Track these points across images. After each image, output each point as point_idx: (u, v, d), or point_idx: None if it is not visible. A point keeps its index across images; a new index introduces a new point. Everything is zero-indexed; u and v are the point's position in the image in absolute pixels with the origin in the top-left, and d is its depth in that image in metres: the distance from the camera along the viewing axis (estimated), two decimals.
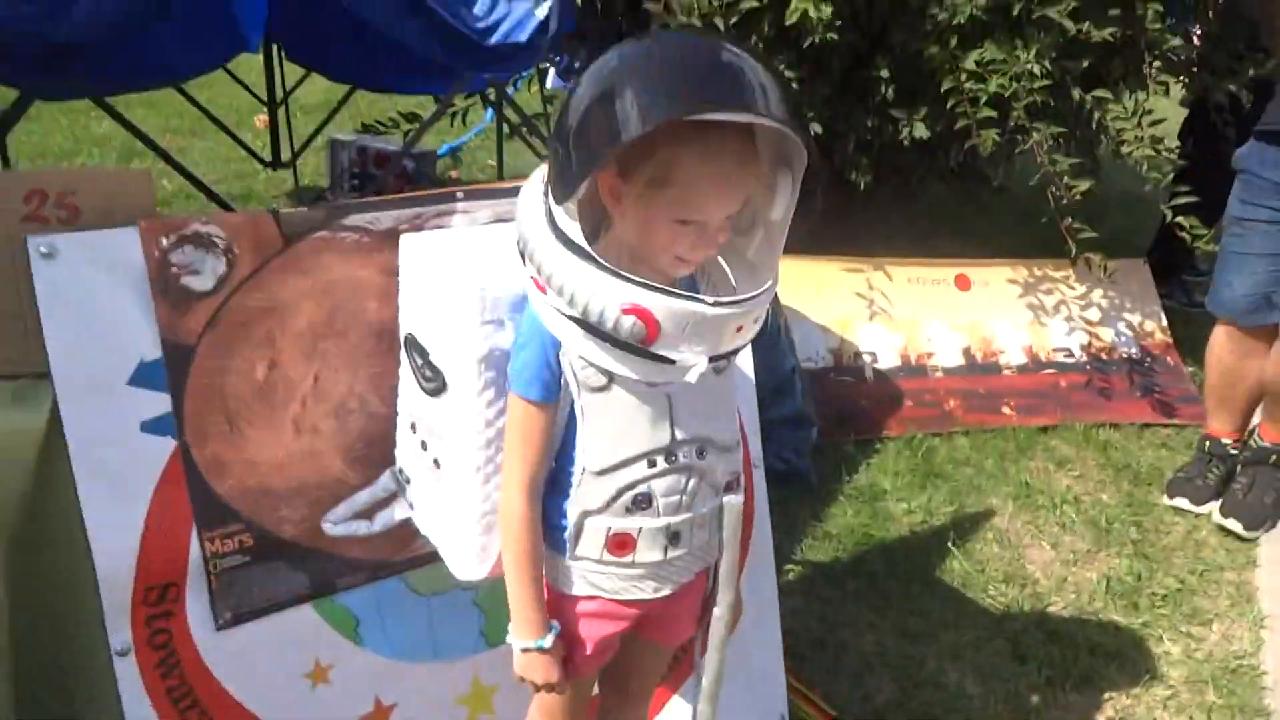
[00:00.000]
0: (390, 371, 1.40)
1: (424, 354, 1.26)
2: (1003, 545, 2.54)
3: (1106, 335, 3.47)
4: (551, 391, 1.13)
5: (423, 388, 1.27)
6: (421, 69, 3.02)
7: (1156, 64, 2.80)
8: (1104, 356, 3.42)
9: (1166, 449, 3.10)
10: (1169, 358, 3.51)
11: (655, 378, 1.11)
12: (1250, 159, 2.45)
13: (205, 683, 1.36)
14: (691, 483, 1.20)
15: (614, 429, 1.14)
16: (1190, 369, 3.42)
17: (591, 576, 1.22)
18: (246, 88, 4.40)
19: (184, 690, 1.34)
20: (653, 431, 1.15)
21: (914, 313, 3.32)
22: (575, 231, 1.03)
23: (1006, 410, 3.17)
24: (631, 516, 1.18)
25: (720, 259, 1.21)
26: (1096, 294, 3.55)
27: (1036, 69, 2.56)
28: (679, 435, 1.17)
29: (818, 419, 2.82)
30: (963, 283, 3.43)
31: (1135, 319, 3.55)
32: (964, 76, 2.74)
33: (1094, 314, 3.51)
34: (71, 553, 1.28)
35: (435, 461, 1.29)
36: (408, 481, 1.38)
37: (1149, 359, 3.48)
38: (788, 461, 2.64)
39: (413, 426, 1.33)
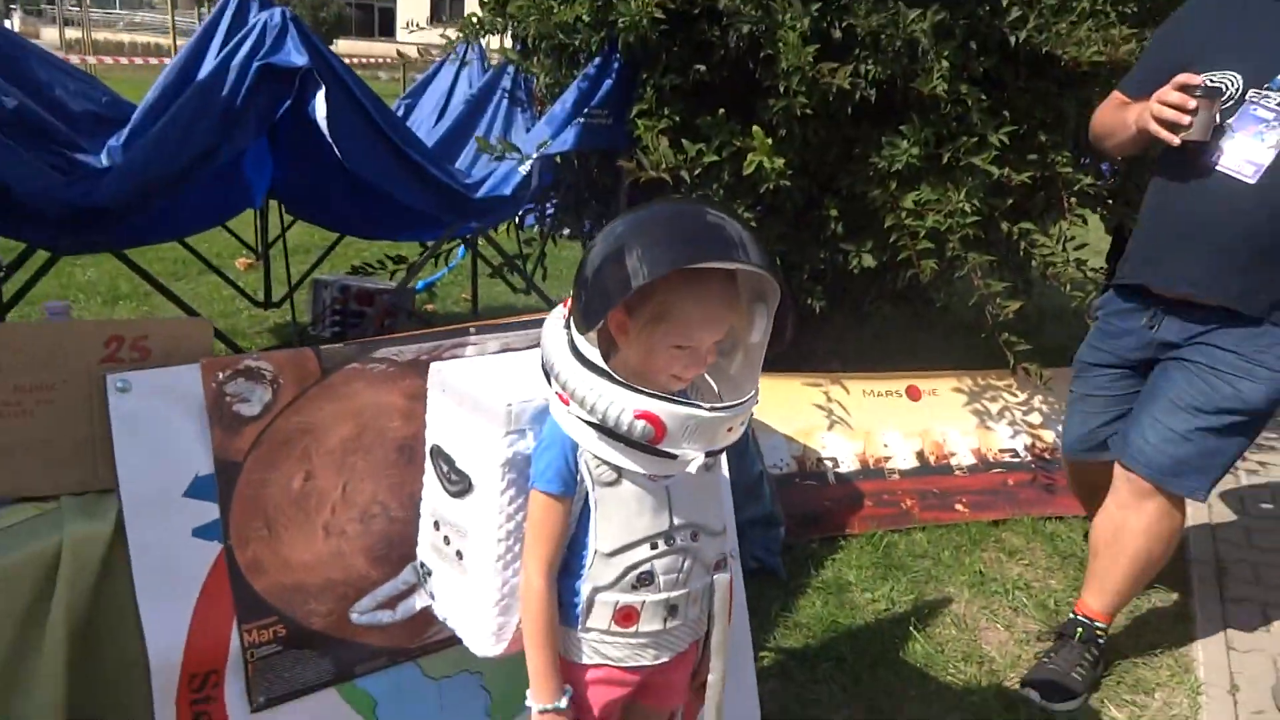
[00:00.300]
0: (408, 481, 1.63)
1: (450, 461, 1.49)
2: (960, 628, 2.73)
3: (1048, 436, 3.75)
4: (569, 487, 1.36)
5: (447, 490, 1.50)
6: (413, 220, 3.34)
7: (1072, 199, 3.16)
8: (1047, 456, 3.69)
9: None
10: None
11: (660, 471, 1.34)
12: (1104, 307, 2.59)
13: None
14: (687, 562, 1.42)
15: (622, 517, 1.37)
16: None
17: (600, 646, 1.42)
18: (236, 235, 4.72)
19: None
20: (654, 518, 1.38)
21: (869, 421, 3.58)
22: (595, 355, 1.29)
23: (960, 507, 3.41)
24: (636, 592, 1.39)
25: (706, 375, 1.47)
26: (1037, 399, 3.84)
27: (967, 207, 2.90)
28: (676, 521, 1.40)
29: (785, 519, 3.04)
30: (913, 393, 3.71)
31: None
32: (904, 214, 3.07)
33: (1035, 418, 3.79)
34: (126, 645, 1.46)
35: (458, 554, 1.50)
36: (429, 574, 1.59)
37: None
38: (759, 559, 2.85)
39: (435, 524, 1.55)
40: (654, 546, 1.38)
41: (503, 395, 1.39)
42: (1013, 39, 2.83)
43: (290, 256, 4.64)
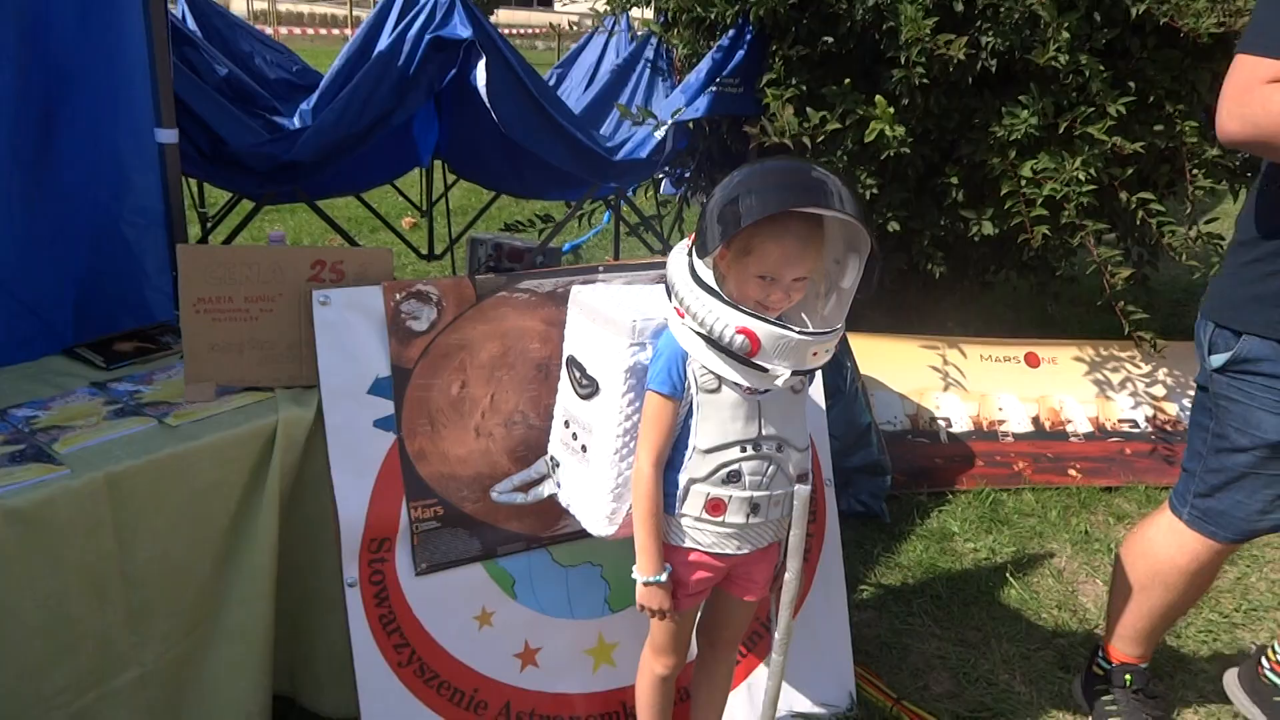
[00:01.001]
0: (544, 395, 1.93)
1: (582, 368, 1.78)
2: (1058, 580, 2.86)
3: (1171, 409, 3.77)
4: (678, 390, 1.62)
5: (578, 394, 1.79)
6: (559, 180, 3.66)
7: (1195, 171, 3.17)
8: (1168, 428, 3.71)
9: None
10: None
11: (754, 383, 1.59)
12: (1257, 360, 1.85)
13: (405, 614, 1.86)
14: (771, 468, 1.66)
15: (719, 420, 1.63)
16: None
17: (692, 532, 1.68)
18: (404, 195, 5.18)
19: (390, 618, 1.85)
20: (746, 425, 1.63)
21: (986, 385, 3.70)
22: (709, 277, 1.55)
23: (1073, 472, 3.49)
24: (725, 487, 1.65)
25: (803, 315, 1.69)
26: (1161, 372, 3.85)
27: (1082, 175, 2.98)
28: (765, 431, 1.64)
29: (895, 472, 3.22)
30: (1032, 360, 3.79)
31: None
32: (1022, 183, 3.17)
33: (1159, 390, 3.81)
34: (323, 509, 1.81)
35: (583, 448, 1.79)
36: (557, 466, 1.89)
37: None
38: (865, 504, 3.05)
39: (566, 423, 1.84)
40: (743, 449, 1.62)
41: (629, 313, 1.67)
42: (1134, 10, 2.88)
43: (451, 215, 5.06)
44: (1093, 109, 2.97)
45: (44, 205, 2.08)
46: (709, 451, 1.62)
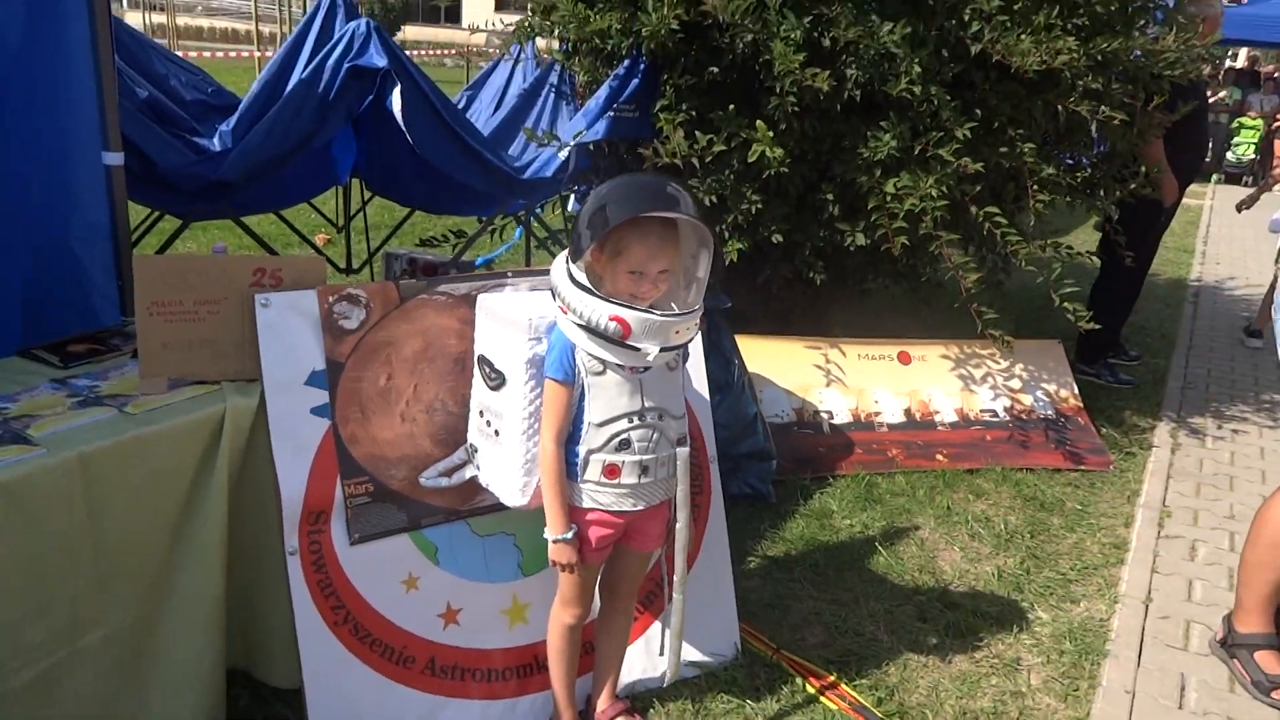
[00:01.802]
0: (461, 385, 2.20)
1: (490, 364, 2.06)
2: (920, 548, 3.25)
3: (1026, 400, 4.23)
4: (569, 376, 1.92)
5: (488, 386, 2.07)
6: (471, 197, 3.92)
7: (1035, 187, 3.62)
8: (1024, 416, 4.17)
9: (1073, 487, 3.81)
10: (1080, 418, 4.24)
11: (630, 362, 1.90)
12: None
13: (341, 579, 2.11)
14: (655, 435, 1.97)
15: (607, 398, 1.93)
16: (1104, 430, 4.17)
17: (594, 494, 1.98)
18: (319, 210, 5.37)
19: (327, 583, 2.10)
20: (630, 400, 1.94)
21: (863, 381, 4.09)
22: (582, 278, 1.85)
23: (940, 457, 3.91)
24: (618, 453, 1.95)
25: (672, 304, 2.00)
26: (1018, 367, 4.32)
27: (934, 192, 3.39)
28: (647, 404, 1.95)
29: (782, 460, 3.58)
30: (904, 358, 4.21)
31: (1051, 387, 4.31)
32: (887, 198, 3.57)
33: (1015, 383, 4.27)
34: (266, 487, 2.05)
35: (496, 432, 2.07)
36: (475, 451, 2.16)
37: (1063, 419, 4.22)
38: (753, 487, 3.39)
39: (480, 413, 2.12)
40: (630, 420, 1.93)
41: (525, 312, 1.96)
42: (974, 48, 3.31)
43: (368, 231, 5.28)
44: (942, 134, 3.38)
45: None
46: (601, 425, 1.93)
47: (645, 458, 1.96)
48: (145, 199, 3.28)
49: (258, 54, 14.75)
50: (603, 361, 1.89)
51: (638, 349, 1.85)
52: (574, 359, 1.90)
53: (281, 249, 6.04)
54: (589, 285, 1.85)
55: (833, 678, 2.53)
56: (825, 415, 3.96)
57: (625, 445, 1.94)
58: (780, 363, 4.03)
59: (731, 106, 3.57)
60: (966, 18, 3.31)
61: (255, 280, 2.04)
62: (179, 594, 1.98)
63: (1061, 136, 3.90)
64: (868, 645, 2.70)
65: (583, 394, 1.93)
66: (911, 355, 4.23)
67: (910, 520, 3.44)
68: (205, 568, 2.00)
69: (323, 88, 3.19)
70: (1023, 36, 3.18)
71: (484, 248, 5.71)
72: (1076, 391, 4.33)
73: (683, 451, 1.98)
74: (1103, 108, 3.34)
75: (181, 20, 28.93)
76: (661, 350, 1.87)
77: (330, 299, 2.08)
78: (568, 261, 1.89)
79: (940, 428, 4.05)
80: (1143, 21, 3.82)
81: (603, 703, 2.29)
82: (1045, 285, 3.65)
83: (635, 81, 3.61)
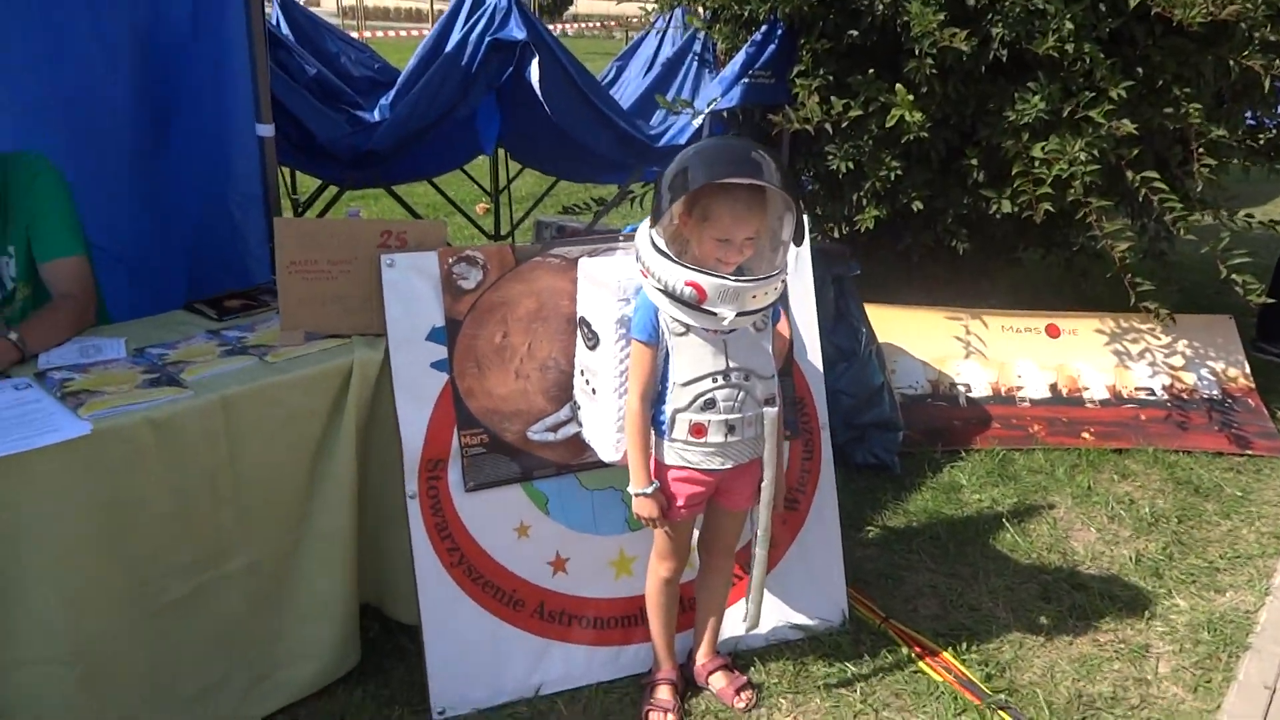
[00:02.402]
0: (572, 344, 2.29)
1: (588, 325, 2.14)
2: (1053, 528, 3.13)
3: (1188, 379, 3.96)
4: (653, 336, 1.97)
5: (587, 346, 2.15)
6: (608, 165, 4.02)
7: (1201, 150, 3.37)
8: (1185, 396, 3.91)
9: (1234, 473, 3.55)
10: (1250, 400, 3.93)
11: (709, 325, 1.93)
12: None
13: (456, 524, 2.26)
14: (741, 394, 2.00)
15: (691, 358, 1.97)
16: None
17: (680, 452, 2.03)
18: (475, 181, 5.61)
19: (444, 526, 2.24)
20: (714, 360, 1.97)
21: (1006, 354, 3.94)
22: (662, 244, 1.90)
23: (1086, 435, 3.73)
24: (704, 413, 1.99)
25: (759, 265, 2.01)
26: (1181, 344, 4.04)
27: (1083, 155, 3.21)
28: (731, 364, 1.99)
29: (915, 432, 3.51)
30: (1053, 331, 4.02)
31: (1219, 366, 4.01)
32: (1035, 163, 3.42)
33: (1177, 360, 4.00)
34: (390, 436, 2.21)
35: (593, 390, 2.16)
36: (578, 408, 2.26)
37: (1230, 400, 3.93)
38: (878, 457, 3.35)
39: (581, 372, 2.21)
40: (715, 380, 1.97)
41: (616, 274, 2.03)
42: (1132, 1, 3.10)
43: (519, 200, 5.49)
44: (1095, 94, 3.20)
45: (158, 193, 2.53)
46: (686, 384, 1.97)
47: (731, 417, 1.99)
48: (306, 167, 3.55)
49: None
50: (684, 324, 1.93)
51: (714, 313, 1.88)
52: (657, 320, 1.95)
53: (444, 219, 6.37)
54: (667, 250, 1.89)
55: (939, 649, 2.49)
56: (962, 388, 3.85)
57: (710, 405, 1.98)
58: (918, 333, 3.94)
59: (871, 71, 3.50)
60: None
61: (382, 241, 2.20)
62: (314, 530, 2.17)
63: (1238, 95, 3.60)
64: (983, 621, 2.64)
65: (667, 355, 1.97)
66: (1061, 329, 4.03)
67: (1045, 499, 3.32)
68: (337, 507, 2.18)
69: (465, 60, 3.35)
70: None
71: (629, 214, 5.82)
72: (1248, 371, 4.01)
73: (770, 411, 2.00)
74: (1275, 60, 3.07)
75: (370, 1, 30.52)
76: (738, 315, 1.89)
77: (450, 260, 2.21)
78: (650, 227, 1.93)
79: (1089, 405, 3.86)
80: None
81: (702, 657, 2.35)
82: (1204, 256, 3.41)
83: (772, 47, 3.59)
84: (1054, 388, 3.89)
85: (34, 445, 1.70)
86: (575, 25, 22.01)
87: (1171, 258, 3.96)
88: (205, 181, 2.68)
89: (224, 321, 2.32)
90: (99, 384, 1.92)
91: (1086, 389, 3.90)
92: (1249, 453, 3.68)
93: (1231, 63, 3.24)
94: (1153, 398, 3.90)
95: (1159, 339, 4.05)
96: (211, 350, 2.13)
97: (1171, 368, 3.98)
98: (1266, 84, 3.19)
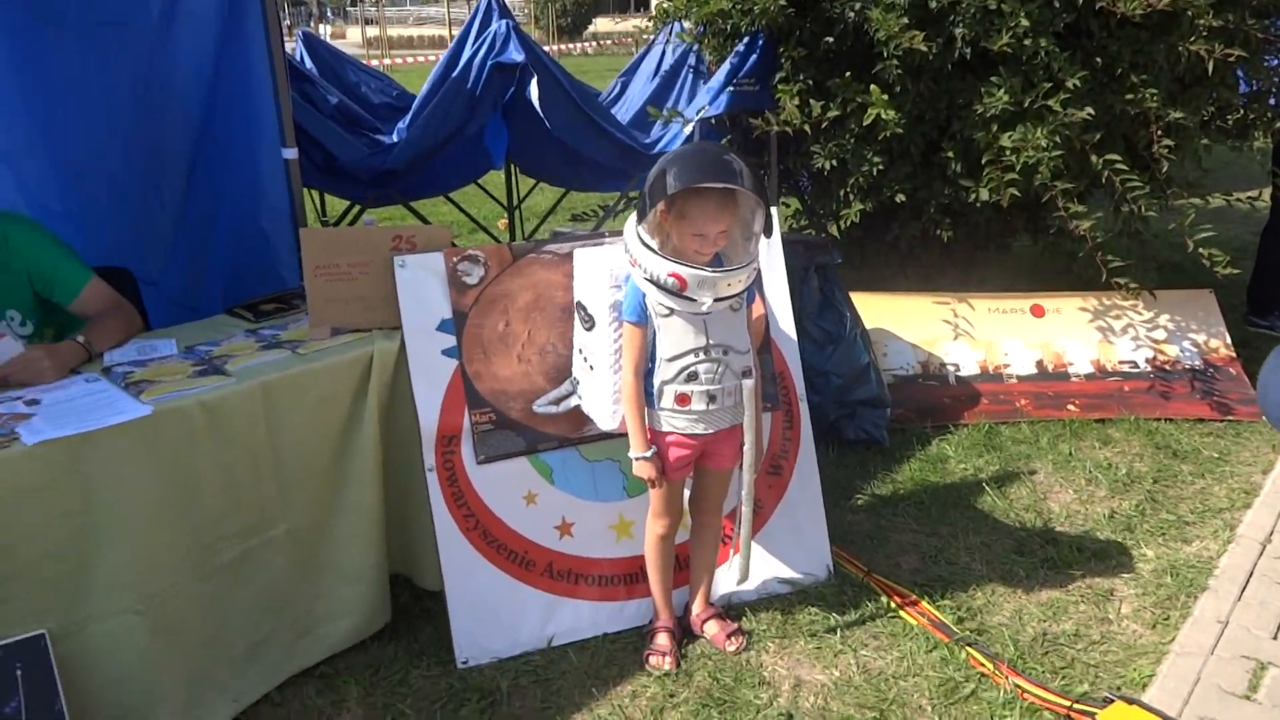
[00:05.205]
0: (568, 330, 2.57)
1: (584, 309, 2.42)
2: (1032, 490, 3.34)
3: (1171, 351, 4.15)
4: (642, 318, 2.24)
5: (584, 327, 2.43)
6: (609, 174, 4.31)
7: (1159, 132, 3.59)
8: (1167, 368, 4.10)
9: (1214, 437, 3.74)
10: (1232, 369, 4.11)
11: (690, 310, 2.20)
12: None
13: (471, 493, 2.53)
14: (720, 368, 2.26)
15: (675, 336, 2.24)
16: None
17: (669, 419, 2.30)
18: (495, 198, 5.93)
19: (460, 495, 2.52)
20: (695, 338, 2.24)
21: (993, 334, 4.16)
22: (647, 238, 2.17)
23: (1071, 407, 3.93)
24: (687, 384, 2.26)
25: (732, 254, 2.28)
26: (1163, 318, 4.23)
27: (1044, 142, 3.45)
28: (711, 341, 2.25)
29: (907, 411, 3.74)
30: (1037, 311, 4.24)
31: (1200, 338, 4.20)
32: (1006, 152, 3.65)
33: (1159, 334, 4.19)
34: (408, 416, 2.49)
35: (591, 367, 2.43)
36: (577, 384, 2.53)
37: (1212, 370, 4.11)
38: (868, 432, 3.58)
39: (579, 350, 2.49)
40: (696, 355, 2.23)
41: (608, 263, 2.31)
42: None
43: (535, 214, 5.80)
44: (1052, 84, 3.43)
45: (190, 218, 2.86)
46: (671, 359, 2.24)
47: (712, 388, 2.26)
48: (330, 187, 3.87)
49: None
50: (668, 307, 2.20)
51: (694, 299, 2.15)
52: (644, 303, 2.22)
53: (466, 235, 6.68)
54: (651, 244, 2.16)
55: (916, 597, 2.72)
56: (951, 367, 4.07)
57: (693, 377, 2.25)
58: (908, 318, 4.17)
59: (848, 74, 3.75)
60: None
61: (395, 246, 2.49)
62: (345, 500, 2.46)
63: (1199, 79, 3.81)
64: (959, 573, 2.87)
65: (655, 334, 2.24)
66: (1045, 308, 4.24)
67: (1027, 465, 3.53)
68: (364, 479, 2.46)
69: (471, 83, 3.65)
70: None
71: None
72: (1229, 341, 4.19)
73: (747, 383, 2.26)
74: (1217, 45, 3.28)
75: (393, 31, 31.27)
76: (715, 300, 2.15)
77: (454, 259, 2.50)
78: (636, 224, 2.21)
79: (1074, 379, 4.06)
80: None
81: (697, 607, 2.61)
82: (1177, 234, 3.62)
83: (754, 57, 3.86)
84: (1040, 364, 4.10)
85: (105, 424, 2.00)
86: (597, 43, 22.45)
87: (1146, 236, 4.17)
88: (237, 202, 3.02)
89: (260, 322, 2.62)
90: (156, 375, 2.22)
91: (1071, 364, 4.10)
92: (1230, 418, 3.87)
93: (1180, 49, 3.46)
94: (1136, 370, 4.09)
95: (1141, 314, 4.25)
96: (251, 346, 2.43)
97: (1154, 341, 4.18)
98: (1210, 66, 3.40)
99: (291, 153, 2.84)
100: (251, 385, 2.23)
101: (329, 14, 38.85)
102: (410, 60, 17.80)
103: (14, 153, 2.86)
